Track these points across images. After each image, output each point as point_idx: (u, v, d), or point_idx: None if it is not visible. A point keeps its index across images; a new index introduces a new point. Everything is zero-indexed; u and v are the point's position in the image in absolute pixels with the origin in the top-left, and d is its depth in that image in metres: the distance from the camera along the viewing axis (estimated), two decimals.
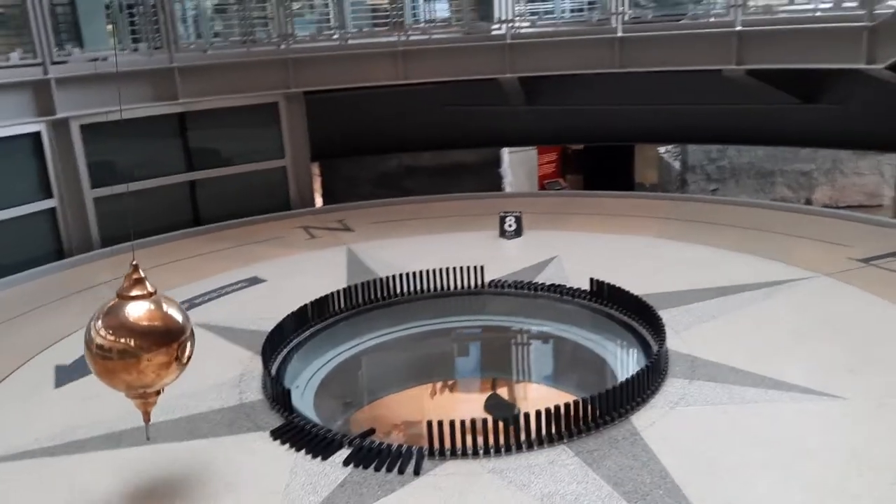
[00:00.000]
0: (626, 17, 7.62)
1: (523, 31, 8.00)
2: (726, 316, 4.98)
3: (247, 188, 8.08)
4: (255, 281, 6.17)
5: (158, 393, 3.28)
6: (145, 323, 3.10)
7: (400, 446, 3.67)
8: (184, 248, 7.15)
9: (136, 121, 7.39)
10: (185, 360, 3.23)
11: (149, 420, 3.37)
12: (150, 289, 3.17)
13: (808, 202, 11.37)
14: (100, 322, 3.09)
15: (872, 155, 11.01)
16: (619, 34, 7.43)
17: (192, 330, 3.26)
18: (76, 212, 7.24)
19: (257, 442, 3.87)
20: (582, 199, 8.23)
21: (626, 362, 4.88)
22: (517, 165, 13.70)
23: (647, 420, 3.82)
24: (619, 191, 14.29)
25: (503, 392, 5.82)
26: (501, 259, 6.29)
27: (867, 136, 8.30)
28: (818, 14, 7.31)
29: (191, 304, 5.75)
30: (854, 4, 6.92)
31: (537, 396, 5.47)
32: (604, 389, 3.83)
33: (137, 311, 3.12)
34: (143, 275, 3.18)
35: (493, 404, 5.76)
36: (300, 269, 6.43)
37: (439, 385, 5.79)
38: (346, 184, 11.59)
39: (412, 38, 8.09)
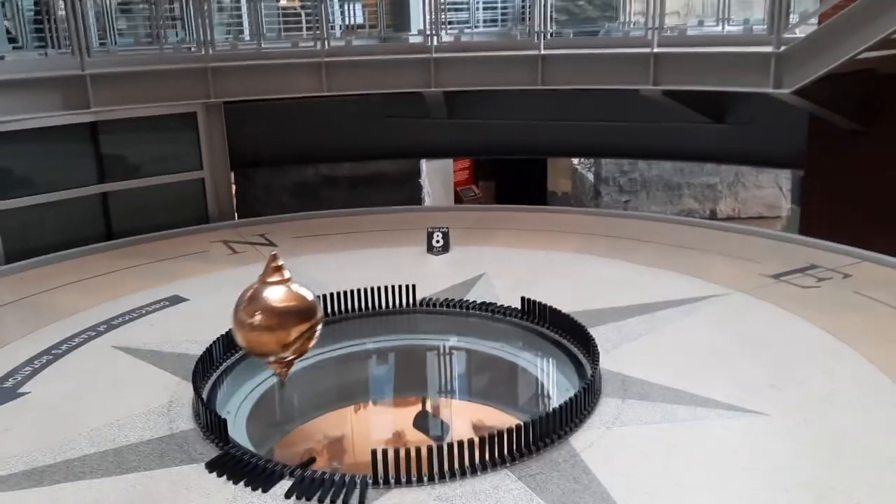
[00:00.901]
0: (549, 36, 7.79)
1: (446, 45, 8.05)
2: (651, 334, 5.14)
3: (163, 200, 7.79)
4: (176, 300, 5.96)
5: (293, 363, 3.87)
6: (287, 304, 3.67)
7: (343, 476, 3.63)
8: (96, 265, 6.83)
9: (44, 130, 7.03)
10: (317, 335, 3.78)
11: (284, 382, 3.96)
12: (286, 275, 3.75)
13: (713, 214, 11.92)
14: (248, 304, 3.69)
15: (773, 170, 11.62)
16: (542, 52, 7.58)
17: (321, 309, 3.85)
18: None
19: (192, 475, 3.73)
20: (505, 213, 8.31)
21: (559, 381, 4.97)
22: (433, 174, 13.80)
23: (586, 441, 3.91)
24: (531, 199, 14.66)
25: (432, 409, 5.83)
26: (430, 275, 6.30)
27: (771, 154, 8.79)
28: (728, 35, 7.73)
29: (109, 325, 5.52)
30: (763, 27, 7.31)
31: (470, 414, 5.51)
32: (538, 407, 3.87)
33: (278, 293, 3.67)
34: (281, 263, 3.78)
35: (422, 421, 5.78)
36: (224, 286, 6.17)
37: (370, 405, 5.76)
38: (262, 193, 11.36)
39: (333, 45, 8.01)
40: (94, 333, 5.38)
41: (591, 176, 12.55)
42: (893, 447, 3.74)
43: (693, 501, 3.43)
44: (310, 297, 3.76)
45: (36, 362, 4.95)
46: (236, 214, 9.27)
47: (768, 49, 6.68)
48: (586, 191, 12.80)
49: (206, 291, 6.11)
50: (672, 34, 7.86)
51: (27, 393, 4.56)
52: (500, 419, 5.03)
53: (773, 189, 11.89)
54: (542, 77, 7.63)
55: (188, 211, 7.87)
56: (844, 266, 6.24)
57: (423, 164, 12.26)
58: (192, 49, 7.80)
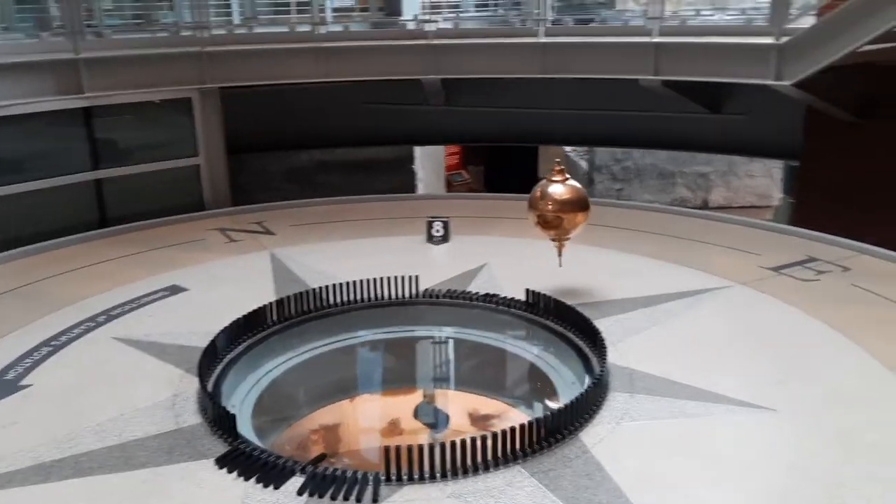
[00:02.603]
0: (549, 24, 7.76)
1: (446, 31, 7.99)
2: (656, 327, 5.14)
3: (157, 187, 7.70)
4: (175, 290, 5.88)
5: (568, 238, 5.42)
6: (567, 196, 5.26)
7: (356, 472, 3.61)
8: (92, 253, 6.72)
9: (36, 115, 6.91)
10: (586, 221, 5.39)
11: (561, 254, 5.49)
12: (567, 176, 5.29)
13: (705, 203, 11.98)
14: (539, 195, 5.28)
15: (766, 160, 11.67)
16: (543, 40, 7.53)
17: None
18: None
19: (202, 471, 3.69)
20: (504, 202, 8.26)
21: (565, 374, 4.96)
22: (424, 159, 13.74)
23: (596, 436, 3.90)
24: (522, 185, 14.54)
25: (435, 400, 5.82)
26: (431, 266, 6.26)
27: (767, 144, 8.82)
28: (730, 25, 7.73)
29: (108, 315, 5.43)
30: (761, 15, 7.32)
31: (475, 406, 5.52)
32: (543, 401, 3.83)
33: (561, 188, 5.25)
34: (562, 167, 5.33)
35: (422, 411, 5.77)
36: (223, 276, 6.19)
37: (373, 395, 5.75)
38: (255, 178, 11.25)
39: (331, 30, 7.94)
40: (93, 324, 5.30)
41: (584, 163, 12.55)
42: None
43: (707, 498, 3.44)
44: (583, 191, 5.34)
45: (35, 354, 4.87)
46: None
47: (769, 41, 6.69)
48: (579, 178, 12.79)
49: (205, 281, 6.05)
50: (673, 23, 7.84)
51: (29, 385, 4.49)
52: (507, 413, 5.05)
53: (765, 178, 11.96)
54: (543, 65, 7.60)
55: (183, 198, 7.78)
56: (843, 259, 6.27)
57: (416, 149, 12.21)
58: (186, 34, 7.69)
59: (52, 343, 5.02)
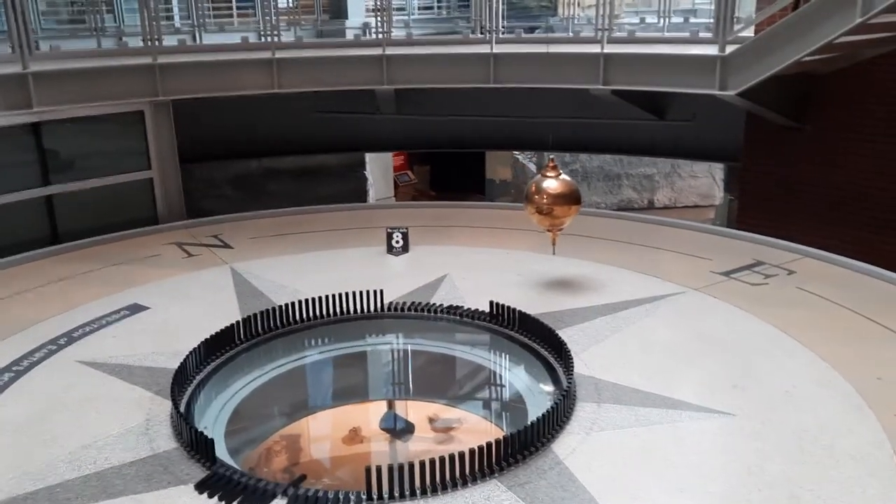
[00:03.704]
0: (501, 35, 7.89)
1: (398, 40, 8.06)
2: (616, 335, 5.31)
3: (110, 201, 7.57)
4: (136, 308, 5.82)
5: (562, 229, 5.94)
6: (560, 190, 5.74)
7: (337, 492, 3.67)
8: (46, 271, 6.58)
9: None
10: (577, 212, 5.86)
11: (555, 243, 6.05)
12: (559, 171, 5.82)
13: (651, 203, 12.32)
14: (534, 190, 5.76)
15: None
16: (494, 51, 7.66)
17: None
18: None
19: (182, 497, 3.70)
20: (460, 210, 8.40)
21: (531, 384, 5.10)
22: (371, 161, 13.76)
23: (567, 448, 4.04)
24: (469, 185, 14.75)
25: (398, 411, 5.91)
26: (393, 277, 6.34)
27: (710, 148, 9.14)
28: (676, 35, 7.99)
29: (69, 337, 5.35)
30: (703, 21, 7.59)
31: (440, 414, 5.62)
32: (512, 412, 3.93)
33: (554, 183, 5.74)
34: (556, 163, 5.86)
35: (387, 422, 5.86)
36: (184, 292, 6.14)
37: (339, 408, 5.79)
38: (203, 186, 11.11)
39: (284, 40, 7.93)
40: (55, 347, 5.21)
41: (532, 166, 12.76)
42: (852, 443, 4.01)
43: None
44: (574, 185, 5.83)
45: None
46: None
47: (714, 52, 6.94)
48: (528, 180, 13.01)
49: (166, 298, 5.99)
50: (621, 33, 8.05)
51: None
52: (477, 424, 5.17)
53: (707, 179, 12.36)
54: (493, 75, 7.72)
55: (137, 212, 7.67)
56: (787, 262, 6.56)
57: (367, 155, 12.23)
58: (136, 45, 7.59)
59: (14, 369, 4.93)
